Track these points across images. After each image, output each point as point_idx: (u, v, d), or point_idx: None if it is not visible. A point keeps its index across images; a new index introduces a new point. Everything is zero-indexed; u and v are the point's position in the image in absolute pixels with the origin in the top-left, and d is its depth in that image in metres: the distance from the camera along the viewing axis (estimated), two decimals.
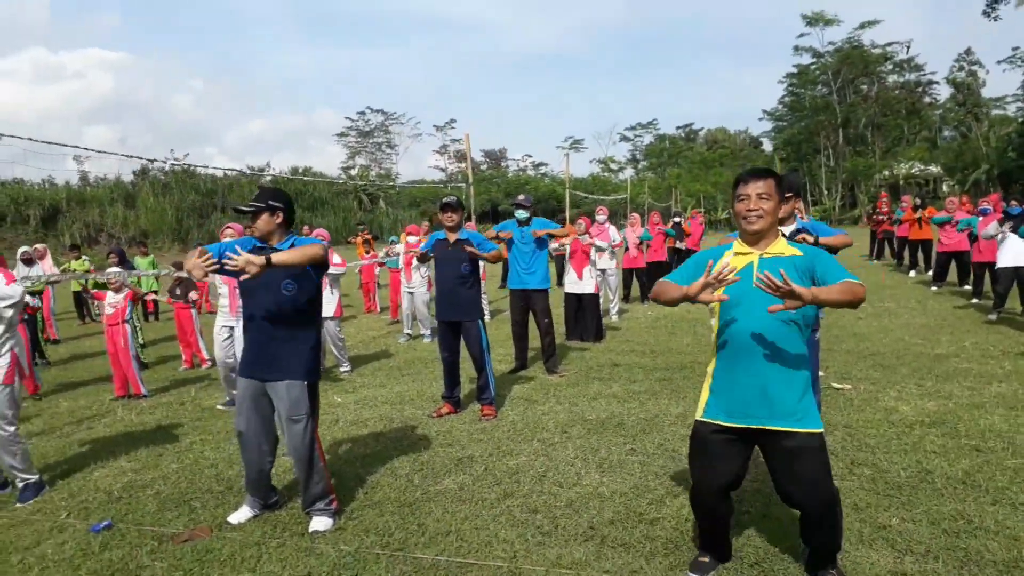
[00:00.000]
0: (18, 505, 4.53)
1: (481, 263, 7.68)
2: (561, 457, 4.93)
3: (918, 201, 16.34)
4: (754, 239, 3.06)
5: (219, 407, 6.87)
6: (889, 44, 59.71)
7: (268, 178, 60.73)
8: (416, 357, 9.07)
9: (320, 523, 3.95)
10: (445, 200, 6.06)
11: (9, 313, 4.53)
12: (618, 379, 7.26)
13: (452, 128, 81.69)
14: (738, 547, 3.43)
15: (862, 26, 58.65)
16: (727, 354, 3.08)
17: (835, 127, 59.20)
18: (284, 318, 3.92)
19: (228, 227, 6.78)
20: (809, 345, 3.13)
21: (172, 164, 43.65)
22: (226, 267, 3.61)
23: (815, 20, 59.11)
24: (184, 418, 6.54)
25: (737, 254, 3.10)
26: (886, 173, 54.95)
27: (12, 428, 4.54)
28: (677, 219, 18.32)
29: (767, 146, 73.12)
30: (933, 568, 3.20)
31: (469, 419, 6.03)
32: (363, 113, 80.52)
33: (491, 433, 5.57)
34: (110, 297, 7.55)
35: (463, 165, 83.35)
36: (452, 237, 6.06)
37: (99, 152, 9.03)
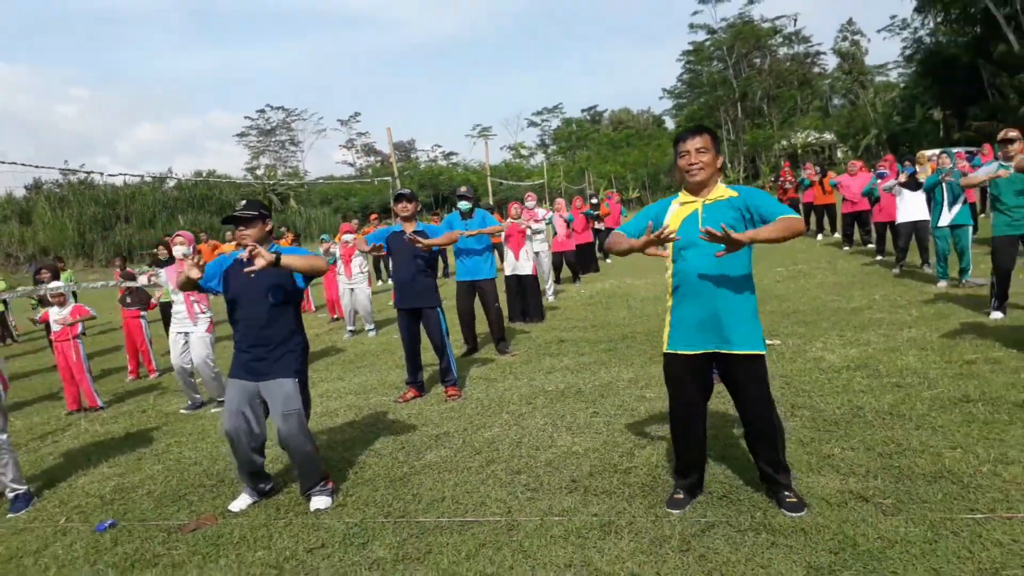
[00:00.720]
0: (11, 515, 4.60)
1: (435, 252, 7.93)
2: (532, 425, 5.30)
3: (818, 168, 17.39)
4: (697, 188, 3.50)
5: (182, 411, 6.95)
6: (777, 18, 62.38)
7: (171, 183, 58.77)
8: (366, 351, 9.27)
9: (320, 502, 4.20)
10: (400, 192, 6.32)
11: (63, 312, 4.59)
12: (567, 353, 7.68)
13: (357, 122, 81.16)
14: (707, 485, 3.87)
15: (751, 1, 61.04)
16: (681, 292, 3.54)
17: (733, 101, 61.54)
18: (272, 322, 4.15)
19: (179, 235, 6.88)
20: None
21: (83, 174, 41.73)
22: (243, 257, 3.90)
23: None
24: (150, 424, 6.61)
25: (683, 203, 3.54)
26: (784, 143, 57.49)
27: (4, 436, 4.62)
28: (595, 201, 18.99)
29: (670, 124, 75.29)
30: (874, 485, 3.70)
31: (435, 401, 6.33)
32: (263, 111, 78.84)
33: (461, 411, 5.89)
34: (55, 313, 7.48)
35: (372, 159, 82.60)
36: (408, 228, 6.32)
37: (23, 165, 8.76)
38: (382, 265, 18.25)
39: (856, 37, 59.84)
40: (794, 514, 3.43)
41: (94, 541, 4.06)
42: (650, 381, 6.10)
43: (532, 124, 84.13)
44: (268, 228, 4.23)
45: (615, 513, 3.70)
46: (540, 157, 78.04)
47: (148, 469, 5.26)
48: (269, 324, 4.14)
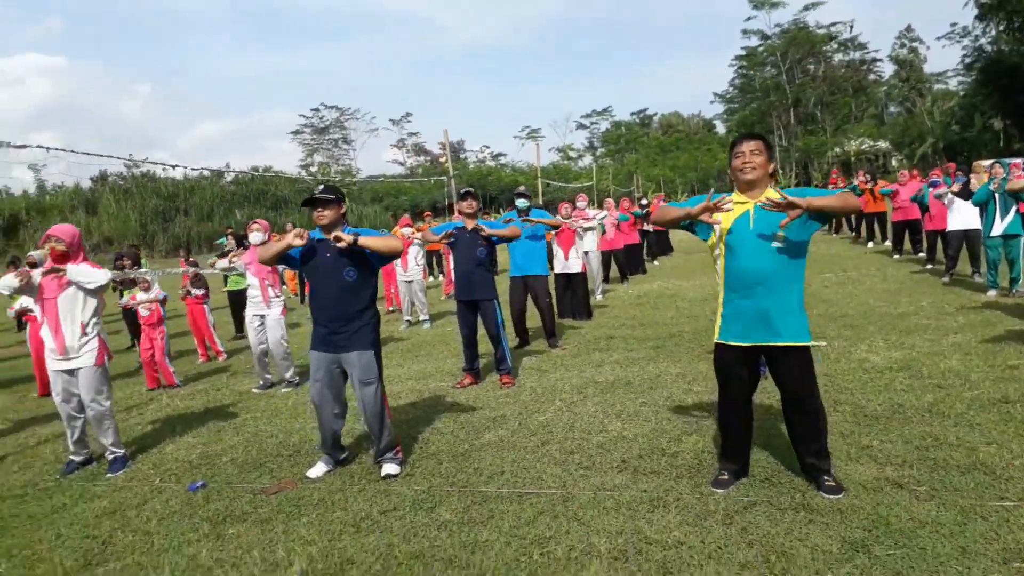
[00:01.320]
0: (110, 475, 5.08)
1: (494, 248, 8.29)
2: (583, 412, 5.62)
3: (869, 176, 17.34)
4: (749, 188, 3.77)
5: (254, 391, 7.42)
6: (833, 24, 61.55)
7: (229, 178, 60.27)
8: (422, 341, 9.68)
9: (390, 468, 4.59)
10: (466, 190, 6.72)
11: (93, 299, 5.07)
12: (616, 349, 7.97)
13: (408, 122, 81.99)
14: (750, 469, 4.14)
15: (806, 7, 60.42)
16: (732, 288, 3.82)
17: (786, 107, 60.90)
18: (349, 299, 4.54)
19: (256, 222, 7.40)
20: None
21: (147, 166, 43.26)
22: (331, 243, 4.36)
23: (761, 3, 60.57)
24: (225, 401, 7.09)
25: (736, 203, 3.80)
26: (837, 150, 56.75)
27: (108, 403, 5.11)
28: (644, 201, 19.25)
29: (720, 128, 74.71)
30: (909, 473, 3.94)
31: (491, 388, 6.68)
32: (317, 110, 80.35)
33: (515, 397, 6.24)
34: (141, 298, 8.03)
35: (422, 159, 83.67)
36: (470, 224, 6.69)
37: (108, 157, 9.35)
38: (435, 261, 18.74)
39: (915, 44, 58.81)
40: (832, 496, 3.69)
41: (187, 499, 4.50)
42: (697, 376, 6.36)
43: (581, 126, 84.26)
44: (343, 211, 4.62)
45: (663, 490, 4.00)
46: (588, 159, 78.21)
47: (228, 440, 5.72)
48: (346, 300, 4.53)
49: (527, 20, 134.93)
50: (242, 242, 14.02)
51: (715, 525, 3.52)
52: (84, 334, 5.03)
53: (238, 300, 11.70)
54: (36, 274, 5.08)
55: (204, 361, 9.63)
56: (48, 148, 7.77)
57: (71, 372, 5.04)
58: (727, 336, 3.85)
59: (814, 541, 3.27)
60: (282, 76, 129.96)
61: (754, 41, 63.15)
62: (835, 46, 62.87)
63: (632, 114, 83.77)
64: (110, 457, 5.20)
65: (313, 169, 74.82)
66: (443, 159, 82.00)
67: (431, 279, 18.30)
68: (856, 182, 17.83)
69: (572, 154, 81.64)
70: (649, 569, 3.16)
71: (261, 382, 7.49)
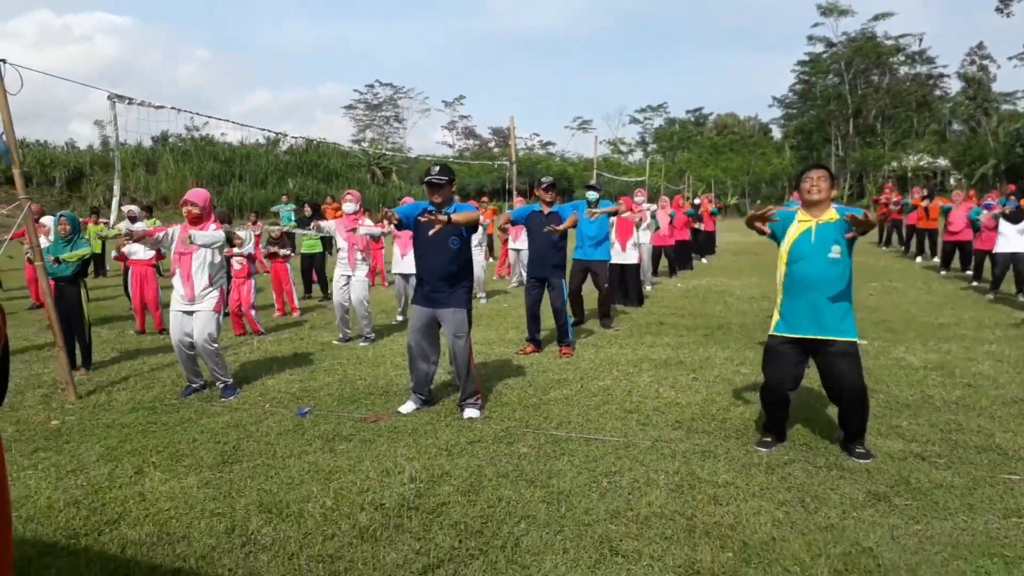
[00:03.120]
0: (223, 399, 5.84)
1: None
2: (639, 381, 6.24)
3: (925, 193, 17.55)
4: (813, 208, 4.36)
5: (335, 342, 8.17)
6: (902, 36, 60.54)
7: (283, 148, 61.58)
8: (480, 314, 10.34)
9: (472, 412, 5.28)
10: (547, 180, 7.37)
11: (219, 255, 5.85)
12: (667, 333, 8.55)
13: (461, 104, 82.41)
14: (790, 435, 4.73)
15: (876, 18, 59.51)
16: (791, 291, 4.40)
17: (846, 117, 60.18)
18: (448, 264, 5.22)
19: (349, 193, 8.15)
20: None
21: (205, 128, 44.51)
22: (419, 219, 4.94)
23: (829, 10, 59.86)
24: (310, 349, 7.85)
25: (800, 221, 4.40)
26: (895, 164, 55.99)
27: (215, 345, 5.86)
28: (696, 201, 19.71)
29: (776, 133, 74.08)
30: (931, 449, 4.49)
31: (551, 357, 7.32)
32: (371, 86, 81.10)
33: (575, 366, 6.87)
34: (236, 252, 8.84)
35: (472, 142, 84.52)
36: (546, 210, 7.34)
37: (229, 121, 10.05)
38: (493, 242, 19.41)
39: (985, 62, 57.71)
40: (862, 460, 4.28)
41: (297, 422, 5.23)
42: (745, 360, 6.93)
43: (634, 121, 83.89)
44: (452, 189, 5.28)
45: (713, 445, 4.62)
46: (639, 154, 78.14)
47: (322, 379, 6.46)
48: (445, 265, 5.21)
49: (588, 9, 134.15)
50: (317, 210, 14.86)
51: (759, 473, 4.13)
52: (210, 284, 5.81)
53: (310, 263, 12.52)
54: (139, 225, 5.86)
55: (280, 315, 10.43)
56: (178, 109, 8.42)
57: (190, 313, 5.81)
58: (782, 328, 4.44)
59: (843, 491, 3.86)
60: (337, 50, 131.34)
61: (819, 48, 62.48)
62: (902, 58, 61.89)
63: (687, 112, 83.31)
64: (221, 385, 5.97)
65: (365, 144, 75.94)
66: (490, 143, 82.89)
67: (491, 259, 19.00)
68: (909, 199, 18.06)
69: (623, 148, 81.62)
70: (702, 499, 3.79)
71: (341, 335, 8.23)
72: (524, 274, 13.28)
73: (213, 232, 5.79)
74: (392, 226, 5.34)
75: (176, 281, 5.86)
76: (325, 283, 12.47)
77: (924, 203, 16.77)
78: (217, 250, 5.85)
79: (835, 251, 4.26)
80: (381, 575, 3.08)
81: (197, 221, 5.79)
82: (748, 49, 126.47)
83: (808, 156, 58.46)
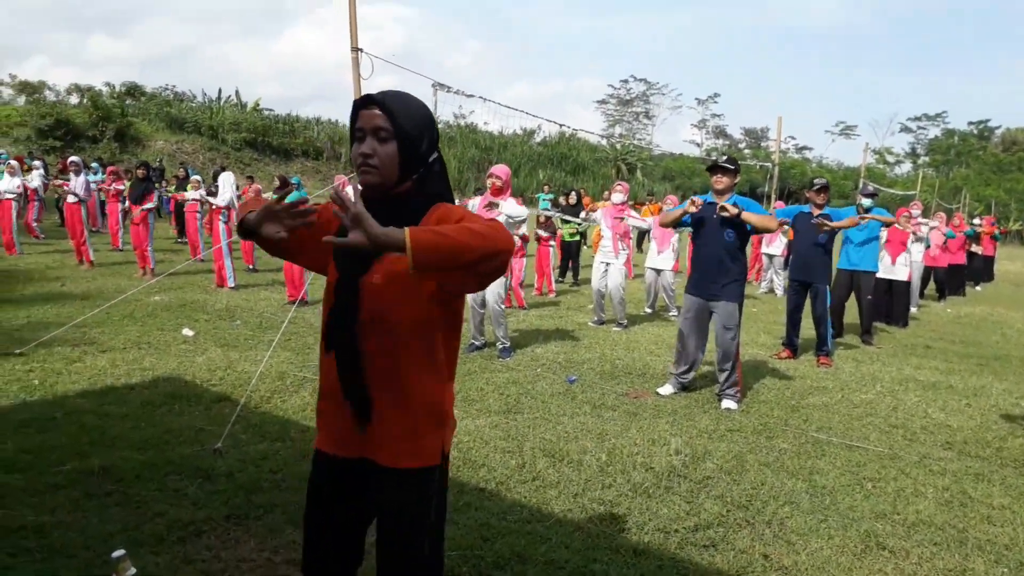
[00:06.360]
0: (500, 359, 6.55)
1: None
2: (905, 400, 6.06)
3: None
4: None
5: (590, 324, 8.68)
6: None
7: (537, 139, 64.05)
8: None
9: (729, 403, 5.49)
10: (820, 182, 7.29)
11: (514, 228, 6.53)
12: (934, 357, 8.10)
13: (715, 102, 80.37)
14: None
15: None
16: None
17: None
18: (725, 257, 5.45)
19: (619, 184, 8.63)
20: None
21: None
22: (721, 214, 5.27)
23: None
24: (569, 327, 8.43)
25: None
26: None
27: (502, 306, 6.55)
28: (977, 221, 18.00)
29: None
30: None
31: (807, 364, 7.27)
32: (626, 81, 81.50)
33: (834, 376, 6.80)
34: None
35: (721, 142, 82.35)
36: (816, 212, 7.27)
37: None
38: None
39: None
40: None
41: (567, 387, 5.76)
42: None
43: (905, 129, 77.03)
44: (736, 180, 5.50)
45: (988, 470, 4.47)
46: (907, 166, 71.80)
47: (583, 354, 6.97)
48: (721, 259, 5.45)
49: (874, 5, 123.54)
50: (580, 197, 15.58)
51: None
52: None
53: (569, 248, 13.22)
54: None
55: (538, 295, 11.19)
56: (484, 98, 9.37)
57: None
58: None
59: None
60: (595, 44, 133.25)
61: None
62: None
63: (969, 123, 75.02)
64: (499, 346, 6.67)
65: (615, 140, 76.76)
66: (741, 144, 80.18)
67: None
68: None
69: (890, 158, 75.31)
70: (975, 517, 3.75)
71: (595, 318, 8.73)
72: (775, 280, 13.12)
73: (517, 207, 6.46)
74: (692, 211, 5.58)
75: None
76: (578, 270, 13.12)
77: None
78: (513, 225, 6.52)
79: None
80: (656, 524, 3.44)
81: (499, 193, 6.50)
82: None
83: None
